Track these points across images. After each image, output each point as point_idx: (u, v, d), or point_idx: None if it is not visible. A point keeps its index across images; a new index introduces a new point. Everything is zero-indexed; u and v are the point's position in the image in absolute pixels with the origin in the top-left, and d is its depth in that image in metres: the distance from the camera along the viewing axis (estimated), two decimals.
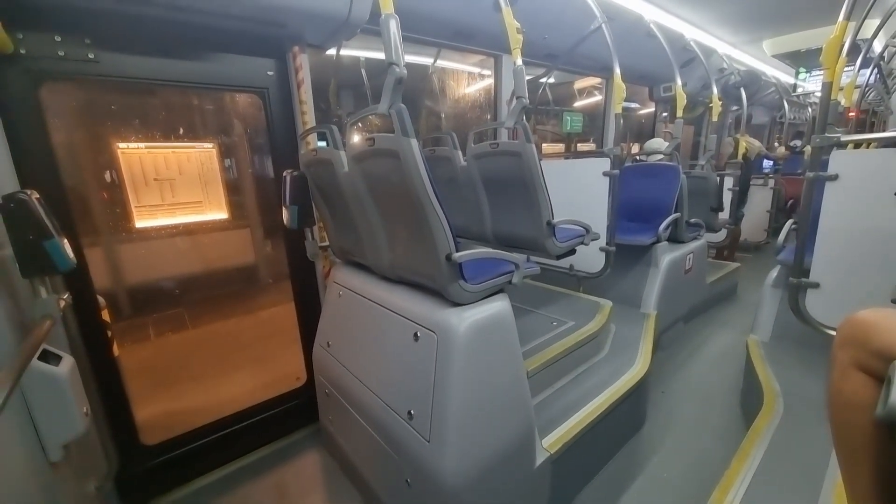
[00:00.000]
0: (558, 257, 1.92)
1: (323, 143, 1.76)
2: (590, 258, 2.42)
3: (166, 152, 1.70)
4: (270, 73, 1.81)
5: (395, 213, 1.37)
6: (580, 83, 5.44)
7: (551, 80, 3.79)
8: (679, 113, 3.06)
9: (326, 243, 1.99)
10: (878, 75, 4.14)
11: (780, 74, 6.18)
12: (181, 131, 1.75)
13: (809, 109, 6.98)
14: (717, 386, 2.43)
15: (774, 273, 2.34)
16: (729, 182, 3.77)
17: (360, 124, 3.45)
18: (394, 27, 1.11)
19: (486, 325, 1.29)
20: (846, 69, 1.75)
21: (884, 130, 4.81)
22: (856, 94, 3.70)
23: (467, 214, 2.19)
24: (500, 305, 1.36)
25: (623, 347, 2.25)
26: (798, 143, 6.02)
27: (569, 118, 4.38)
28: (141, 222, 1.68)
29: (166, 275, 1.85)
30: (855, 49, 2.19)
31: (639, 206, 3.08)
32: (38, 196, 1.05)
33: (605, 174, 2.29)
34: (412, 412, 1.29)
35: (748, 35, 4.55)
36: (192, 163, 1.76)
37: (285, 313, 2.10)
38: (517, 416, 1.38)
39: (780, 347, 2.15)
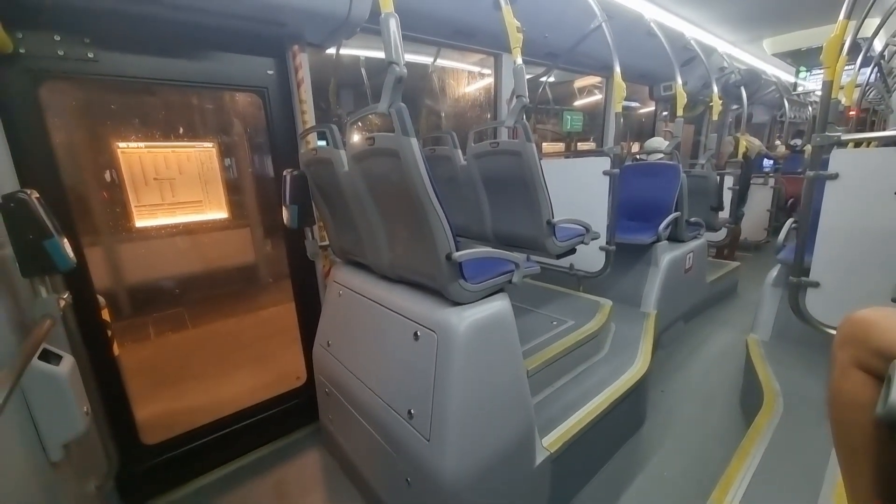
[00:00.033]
0: (558, 256, 1.92)
1: (323, 143, 1.75)
2: (590, 257, 2.42)
3: (166, 152, 1.70)
4: (270, 72, 1.81)
5: (395, 212, 1.37)
6: (580, 82, 5.43)
7: (551, 79, 3.79)
8: (679, 112, 3.05)
9: (326, 243, 1.99)
10: (879, 74, 4.14)
11: (781, 73, 6.18)
12: (181, 131, 1.74)
13: (810, 108, 6.96)
14: (717, 385, 2.43)
15: (774, 272, 2.33)
16: (729, 181, 3.77)
17: (360, 123, 3.45)
18: (394, 26, 1.11)
19: (486, 325, 1.29)
20: (846, 68, 1.74)
21: (884, 129, 4.81)
22: (856, 93, 3.69)
23: (467, 214, 2.19)
24: (500, 305, 1.36)
25: (623, 347, 2.25)
26: (798, 141, 6.02)
27: (569, 117, 4.38)
28: (141, 222, 1.68)
29: (166, 274, 1.84)
30: (855, 48, 2.18)
31: (639, 206, 3.08)
32: (38, 195, 1.05)
33: (605, 173, 2.29)
34: (412, 411, 1.29)
35: (748, 34, 4.54)
36: (192, 162, 1.76)
37: (285, 313, 2.10)
38: (517, 415, 1.38)
39: (780, 346, 2.15)
